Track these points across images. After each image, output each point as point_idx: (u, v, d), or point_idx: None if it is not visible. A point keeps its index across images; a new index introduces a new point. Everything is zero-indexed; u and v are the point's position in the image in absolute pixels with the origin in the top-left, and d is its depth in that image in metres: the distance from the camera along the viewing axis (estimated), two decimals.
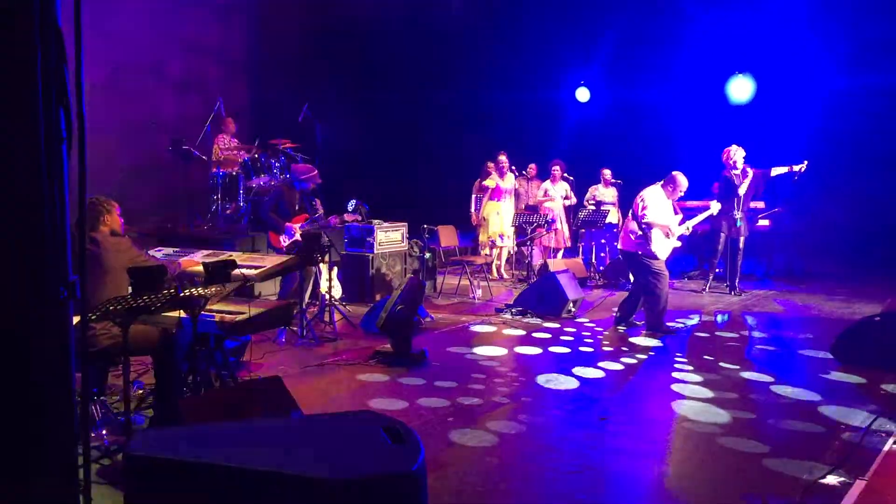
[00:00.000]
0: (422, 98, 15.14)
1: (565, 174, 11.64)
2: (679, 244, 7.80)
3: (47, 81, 2.13)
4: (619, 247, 7.95)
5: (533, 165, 12.27)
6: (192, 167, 10.78)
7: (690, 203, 10.35)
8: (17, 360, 2.11)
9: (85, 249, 2.46)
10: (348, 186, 11.16)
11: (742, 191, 9.67)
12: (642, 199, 7.58)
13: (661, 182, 7.66)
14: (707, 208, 8.37)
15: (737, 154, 9.79)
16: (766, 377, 5.88)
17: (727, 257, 10.13)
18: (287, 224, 7.80)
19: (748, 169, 9.80)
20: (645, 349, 6.86)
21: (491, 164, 11.28)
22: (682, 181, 7.58)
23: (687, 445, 4.39)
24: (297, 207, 8.05)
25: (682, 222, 7.76)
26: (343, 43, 12.20)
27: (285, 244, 7.77)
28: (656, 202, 7.53)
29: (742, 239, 9.87)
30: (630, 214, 7.74)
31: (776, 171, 9.92)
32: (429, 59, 14.75)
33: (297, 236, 7.77)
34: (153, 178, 9.47)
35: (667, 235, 7.51)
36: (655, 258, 7.47)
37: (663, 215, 7.53)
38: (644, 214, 7.47)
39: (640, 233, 7.48)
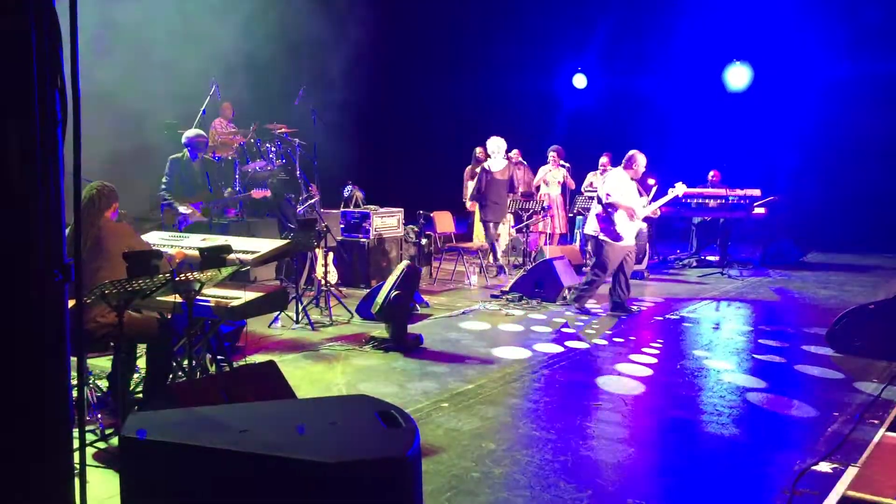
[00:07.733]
0: (419, 84, 15.10)
1: (562, 161, 11.60)
2: (644, 225, 7.91)
3: (42, 63, 2.12)
4: (584, 231, 8.06)
5: (517, 151, 11.94)
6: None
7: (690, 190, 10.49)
8: (11, 343, 2.11)
9: (80, 231, 2.45)
10: (345, 171, 11.15)
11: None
12: (604, 182, 7.71)
13: (622, 164, 7.76)
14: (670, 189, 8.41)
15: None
16: (755, 376, 5.92)
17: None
18: (182, 215, 7.42)
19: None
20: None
21: (480, 150, 11.23)
22: (641, 160, 7.71)
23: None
24: (199, 182, 7.57)
25: (650, 203, 7.88)
26: (339, 28, 12.14)
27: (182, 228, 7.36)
28: (619, 184, 7.65)
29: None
30: (596, 199, 7.84)
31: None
32: (425, 46, 14.69)
33: (196, 218, 7.38)
34: (146, 161, 9.41)
35: (631, 217, 7.59)
36: (619, 240, 7.55)
37: (627, 197, 7.62)
38: (607, 195, 7.57)
39: (604, 214, 7.57)
